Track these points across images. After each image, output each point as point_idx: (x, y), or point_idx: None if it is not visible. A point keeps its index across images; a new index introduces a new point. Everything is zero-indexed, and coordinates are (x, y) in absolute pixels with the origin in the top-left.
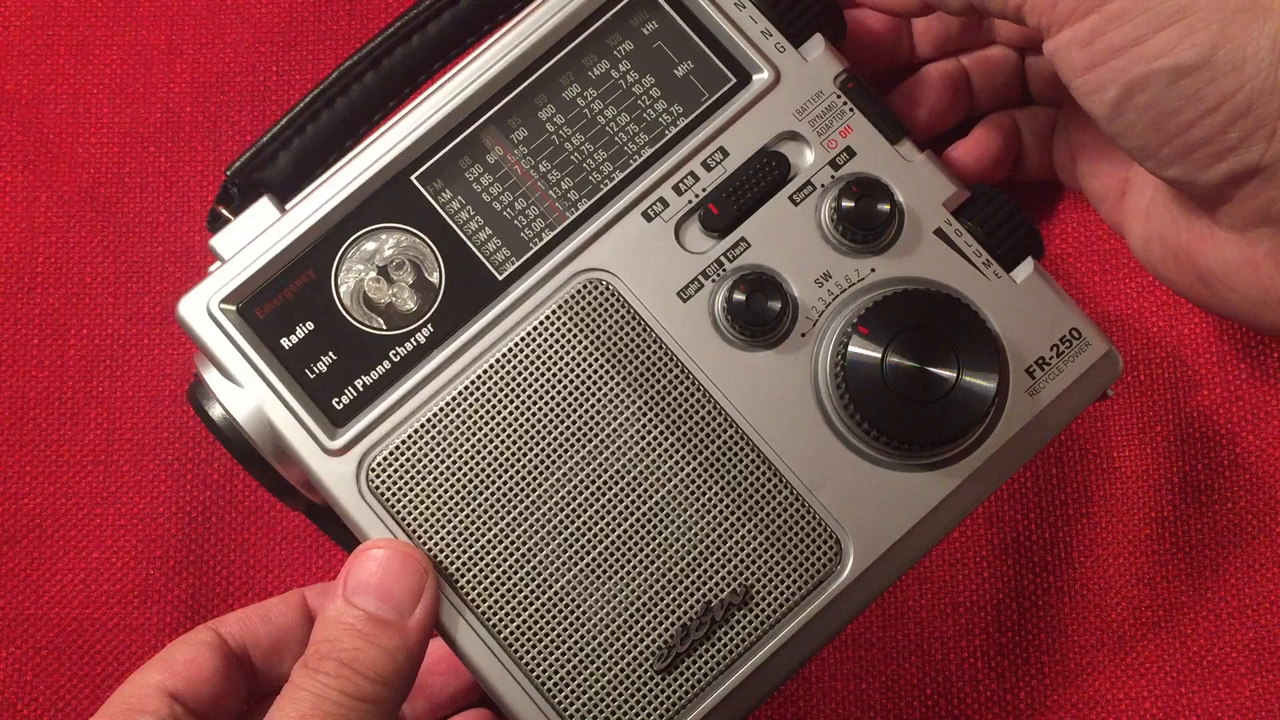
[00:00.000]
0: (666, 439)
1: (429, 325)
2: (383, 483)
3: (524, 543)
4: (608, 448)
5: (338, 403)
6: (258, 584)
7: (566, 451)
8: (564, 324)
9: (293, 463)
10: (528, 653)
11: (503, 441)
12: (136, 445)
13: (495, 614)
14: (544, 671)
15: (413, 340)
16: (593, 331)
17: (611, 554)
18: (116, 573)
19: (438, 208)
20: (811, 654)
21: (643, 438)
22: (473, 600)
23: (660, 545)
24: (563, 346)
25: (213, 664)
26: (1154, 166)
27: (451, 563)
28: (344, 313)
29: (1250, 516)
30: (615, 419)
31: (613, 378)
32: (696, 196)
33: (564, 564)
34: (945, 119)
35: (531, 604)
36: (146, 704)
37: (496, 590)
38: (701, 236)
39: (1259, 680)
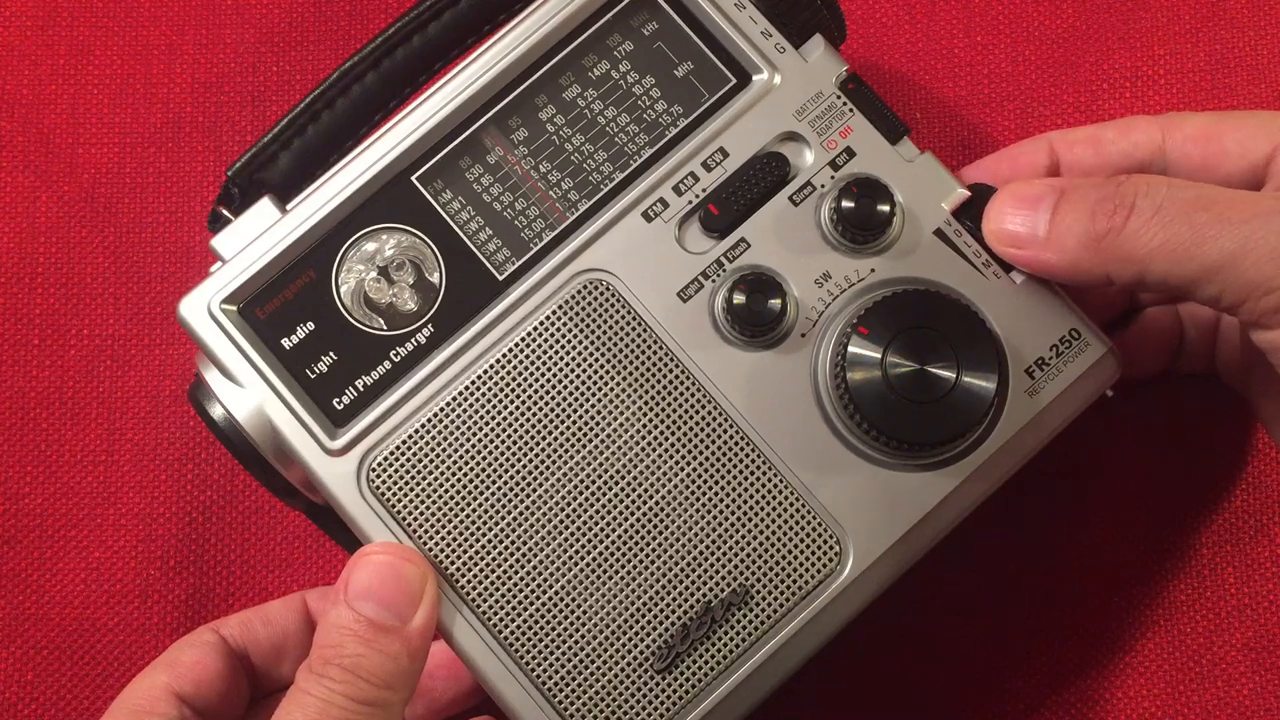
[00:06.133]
0: (666, 439)
1: (429, 325)
2: (383, 483)
3: (524, 543)
4: (608, 448)
5: (338, 403)
6: (258, 584)
7: (566, 452)
8: (564, 324)
9: (293, 463)
10: (528, 653)
11: (503, 442)
12: (137, 445)
13: (496, 614)
14: (544, 671)
15: (413, 340)
16: (593, 332)
17: (611, 554)
18: (117, 573)
19: (438, 208)
20: (811, 654)
21: (643, 438)
22: (473, 600)
23: (660, 545)
24: (563, 347)
25: (217, 666)
26: None
27: (452, 563)
28: (345, 313)
29: (1248, 517)
30: (615, 419)
31: (612, 378)
32: (697, 197)
33: (564, 564)
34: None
35: (532, 604)
36: (155, 706)
37: (497, 590)
38: (701, 237)
39: (1257, 679)
